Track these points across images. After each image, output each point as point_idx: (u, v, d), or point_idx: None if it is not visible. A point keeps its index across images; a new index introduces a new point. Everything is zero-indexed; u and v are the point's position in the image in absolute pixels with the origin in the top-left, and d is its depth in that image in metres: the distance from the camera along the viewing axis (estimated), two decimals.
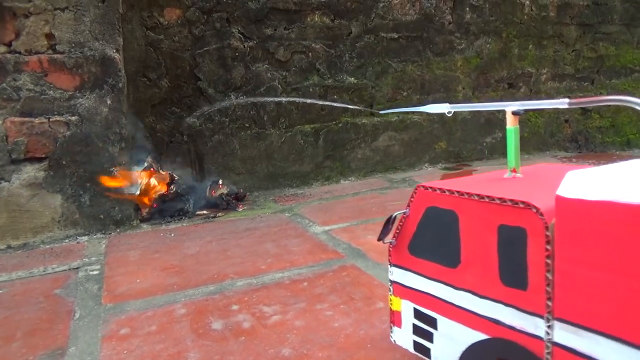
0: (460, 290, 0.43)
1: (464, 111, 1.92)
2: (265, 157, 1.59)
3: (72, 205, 1.15)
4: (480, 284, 0.41)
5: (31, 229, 1.12)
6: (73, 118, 1.14)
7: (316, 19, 1.60)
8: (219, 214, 1.32)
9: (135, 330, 0.70)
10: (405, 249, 0.49)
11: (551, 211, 0.35)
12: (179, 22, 1.43)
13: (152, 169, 1.31)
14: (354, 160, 1.73)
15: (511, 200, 0.38)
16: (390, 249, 0.51)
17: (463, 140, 1.93)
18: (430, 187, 0.46)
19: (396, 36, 1.75)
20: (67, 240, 1.13)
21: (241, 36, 1.51)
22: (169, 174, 1.34)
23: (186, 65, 1.46)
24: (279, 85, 1.58)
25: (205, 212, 1.33)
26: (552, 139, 2.15)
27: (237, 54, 1.51)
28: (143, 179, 1.28)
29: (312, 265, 0.92)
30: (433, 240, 0.46)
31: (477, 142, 1.97)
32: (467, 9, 1.86)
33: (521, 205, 0.37)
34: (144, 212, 1.26)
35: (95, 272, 0.93)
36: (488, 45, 1.94)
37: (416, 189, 0.48)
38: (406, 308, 0.50)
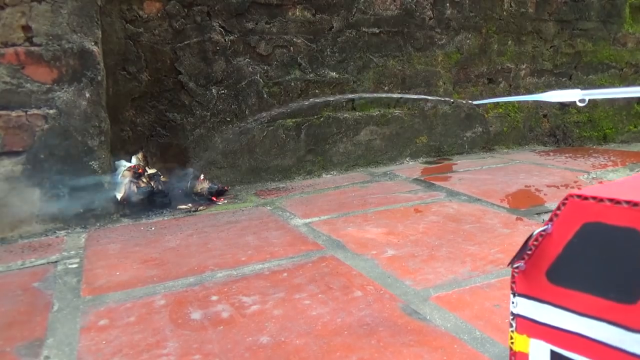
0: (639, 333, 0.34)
1: (445, 106, 1.94)
2: (247, 151, 1.59)
3: (50, 200, 1.14)
4: None
5: (9, 224, 1.11)
6: (51, 111, 1.13)
7: (297, 13, 1.61)
8: (200, 207, 1.32)
9: (114, 321, 0.71)
10: (542, 276, 0.39)
11: None
12: (158, 15, 1.42)
13: (138, 167, 1.31)
14: (335, 154, 1.74)
15: None
16: (516, 275, 0.41)
17: (444, 135, 1.96)
18: (593, 197, 0.35)
19: (377, 31, 1.76)
20: (46, 235, 1.13)
21: (222, 30, 1.51)
22: (156, 172, 1.34)
23: (166, 58, 1.45)
24: (261, 80, 1.58)
25: (186, 206, 1.33)
26: (531, 133, 2.18)
27: (218, 48, 1.51)
28: (126, 178, 1.27)
29: (292, 256, 0.93)
30: (592, 266, 0.36)
31: (457, 136, 1.99)
32: (448, 4, 1.88)
33: None
34: (126, 209, 1.25)
35: (74, 266, 0.93)
36: (468, 41, 1.96)
37: (566, 199, 0.37)
38: (538, 350, 0.40)
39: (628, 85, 2.33)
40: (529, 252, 0.40)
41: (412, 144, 1.89)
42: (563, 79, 2.22)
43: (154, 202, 1.30)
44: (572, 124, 2.26)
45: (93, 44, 1.16)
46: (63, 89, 1.14)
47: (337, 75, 1.71)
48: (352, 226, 1.10)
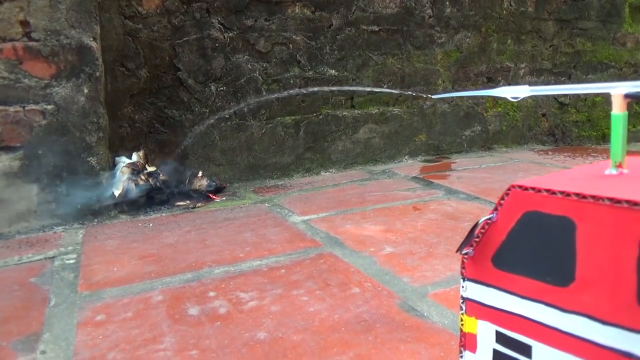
0: (572, 313, 0.36)
1: (444, 104, 1.94)
2: (245, 149, 1.59)
3: (48, 196, 1.14)
4: (604, 307, 0.34)
5: (6, 219, 1.11)
6: (49, 107, 1.13)
7: (297, 10, 1.61)
8: (198, 204, 1.32)
9: (111, 316, 0.70)
10: (488, 261, 0.42)
11: None
12: (158, 11, 1.42)
13: (137, 164, 1.30)
14: (334, 152, 1.74)
15: None
16: (465, 261, 0.44)
17: (443, 133, 1.96)
18: (532, 188, 0.38)
19: (377, 29, 1.76)
20: (43, 231, 1.12)
21: (221, 27, 1.51)
22: (155, 170, 1.34)
23: (165, 55, 1.45)
24: (260, 77, 1.58)
25: (184, 202, 1.32)
26: (530, 132, 2.19)
27: (217, 45, 1.51)
28: (124, 174, 1.27)
29: (290, 253, 0.93)
30: (532, 252, 0.38)
31: (456, 135, 1.99)
32: (447, 2, 1.88)
33: None
34: (124, 206, 1.25)
35: (71, 261, 0.93)
36: (467, 40, 1.96)
37: (509, 190, 0.40)
38: (485, 330, 0.43)
39: None
40: (477, 240, 0.42)
41: (411, 142, 1.89)
42: (562, 78, 2.23)
43: (152, 198, 1.30)
44: (571, 123, 2.26)
45: (91, 39, 1.16)
46: (61, 84, 1.13)
47: (336, 73, 1.70)
48: (350, 223, 1.10)
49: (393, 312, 0.69)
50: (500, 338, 0.41)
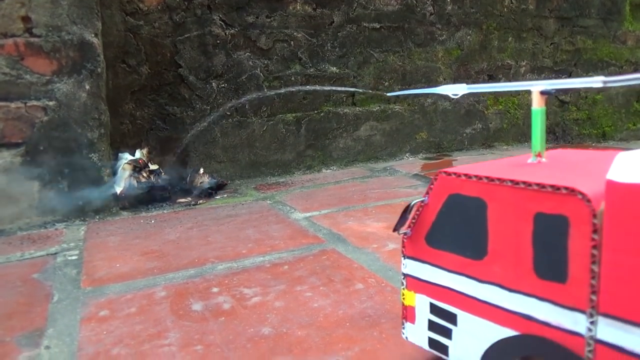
0: (486, 283, 0.40)
1: (445, 102, 1.94)
2: (247, 146, 1.58)
3: (50, 192, 1.14)
4: (510, 277, 0.39)
5: (8, 216, 1.10)
6: (51, 103, 1.12)
7: (298, 7, 1.60)
8: (200, 201, 1.31)
9: (115, 312, 0.70)
10: (422, 240, 0.46)
11: (596, 198, 0.33)
12: (159, 8, 1.42)
13: (139, 160, 1.30)
14: (335, 149, 1.74)
15: (552, 186, 0.35)
16: (405, 240, 0.48)
17: (443, 131, 1.96)
18: (454, 173, 0.42)
19: (378, 26, 1.75)
20: (45, 227, 1.12)
21: (222, 23, 1.50)
22: (158, 168, 1.33)
23: (167, 52, 1.45)
24: (261, 74, 1.58)
25: (186, 199, 1.32)
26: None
27: (218, 42, 1.50)
28: (126, 171, 1.26)
29: (292, 249, 0.93)
30: (455, 230, 0.43)
31: (457, 132, 1.99)
32: (448, 0, 1.88)
33: (564, 192, 0.34)
34: (126, 202, 1.25)
35: (74, 257, 0.93)
36: (469, 37, 1.96)
37: (437, 175, 0.44)
38: (421, 303, 0.47)
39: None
40: (414, 221, 0.47)
41: (412, 139, 1.89)
42: (563, 76, 2.22)
43: (153, 195, 1.29)
44: (572, 122, 2.26)
45: (93, 35, 1.15)
46: (63, 80, 1.13)
47: (337, 70, 1.70)
48: (352, 220, 1.10)
49: (398, 307, 0.69)
50: (433, 309, 0.46)
